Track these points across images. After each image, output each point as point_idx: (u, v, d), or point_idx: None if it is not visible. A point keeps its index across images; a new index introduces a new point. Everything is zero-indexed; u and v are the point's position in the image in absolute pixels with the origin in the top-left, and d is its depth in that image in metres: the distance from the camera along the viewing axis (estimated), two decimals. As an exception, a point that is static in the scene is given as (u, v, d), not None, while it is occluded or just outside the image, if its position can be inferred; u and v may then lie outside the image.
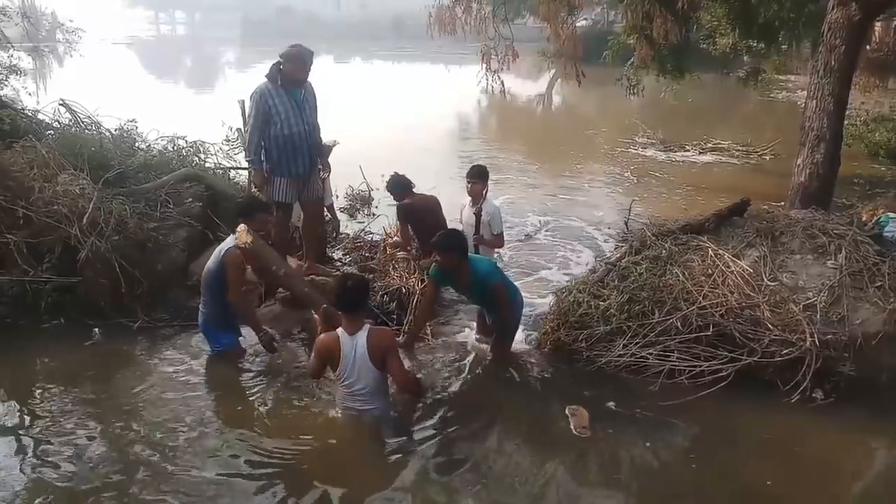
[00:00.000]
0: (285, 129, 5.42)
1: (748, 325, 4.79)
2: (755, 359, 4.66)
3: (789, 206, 7.20)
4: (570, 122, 18.57)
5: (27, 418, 4.33)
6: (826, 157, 7.56)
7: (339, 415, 4.27)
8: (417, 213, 6.18)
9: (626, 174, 11.63)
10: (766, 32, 13.09)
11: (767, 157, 12.48)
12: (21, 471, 3.81)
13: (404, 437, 4.24)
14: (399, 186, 6.32)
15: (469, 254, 5.02)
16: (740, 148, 13.03)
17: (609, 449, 4.25)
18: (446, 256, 4.81)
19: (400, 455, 4.10)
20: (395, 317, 5.61)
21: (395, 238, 6.76)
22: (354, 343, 3.99)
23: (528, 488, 3.83)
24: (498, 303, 5.00)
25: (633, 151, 13.14)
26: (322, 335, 4.18)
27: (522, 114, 20.88)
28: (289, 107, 5.41)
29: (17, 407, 4.45)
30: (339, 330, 4.06)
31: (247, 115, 5.51)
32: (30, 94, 8.40)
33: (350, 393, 4.13)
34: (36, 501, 3.57)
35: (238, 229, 4.79)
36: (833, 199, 7.81)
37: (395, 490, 3.81)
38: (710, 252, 5.25)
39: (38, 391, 4.63)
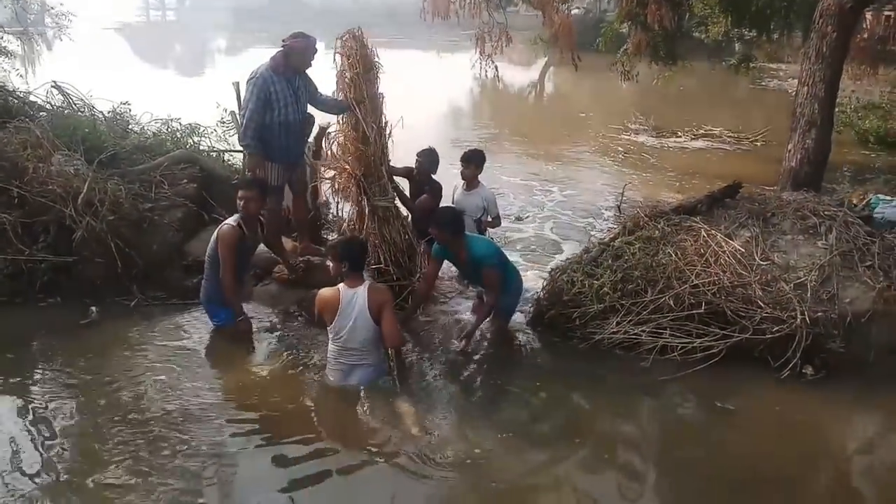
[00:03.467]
0: (282, 116, 5.41)
1: (740, 302, 4.85)
2: (747, 335, 4.74)
3: (780, 190, 7.28)
4: (563, 108, 18.55)
5: (27, 396, 4.33)
6: (817, 142, 7.65)
7: (331, 378, 4.38)
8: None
9: (618, 159, 11.69)
10: (759, 20, 13.19)
11: (758, 144, 12.56)
12: (21, 446, 3.82)
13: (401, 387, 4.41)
14: (435, 162, 6.13)
15: (468, 233, 5.10)
16: (731, 134, 13.10)
17: (603, 424, 4.34)
18: (438, 232, 4.95)
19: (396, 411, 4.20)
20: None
21: None
22: (354, 296, 4.22)
23: (520, 461, 3.89)
24: (488, 286, 5.07)
25: (626, 137, 13.18)
26: (323, 289, 4.40)
27: (515, 101, 20.86)
28: (287, 94, 5.41)
29: (17, 383, 4.45)
30: (340, 285, 4.28)
31: (244, 98, 5.44)
32: (20, 76, 8.33)
33: (344, 349, 4.29)
34: (38, 479, 3.59)
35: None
36: (823, 184, 7.91)
37: (388, 450, 3.89)
38: (703, 232, 5.31)
39: (38, 368, 4.64)
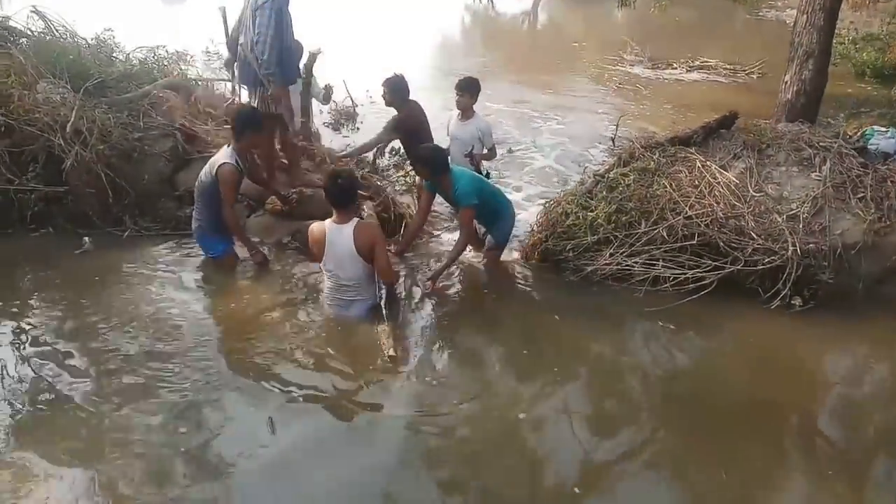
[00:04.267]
0: (289, 41, 5.32)
1: (732, 234, 4.89)
2: (738, 267, 4.79)
3: (775, 122, 7.22)
4: (557, 39, 18.15)
5: (25, 326, 4.34)
6: (814, 72, 7.57)
7: (329, 311, 4.40)
8: (412, 124, 6.08)
9: (612, 91, 11.53)
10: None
11: (755, 76, 12.38)
12: (21, 376, 3.86)
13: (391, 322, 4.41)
14: (401, 90, 5.93)
15: (455, 167, 5.06)
16: (727, 66, 12.89)
17: (595, 353, 4.43)
18: (419, 170, 4.99)
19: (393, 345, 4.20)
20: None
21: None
22: (341, 233, 4.13)
23: (515, 390, 3.98)
24: (460, 224, 5.08)
25: (621, 69, 12.97)
26: (313, 224, 4.34)
27: (508, 31, 20.38)
28: (290, 19, 5.29)
29: (14, 312, 4.46)
30: (328, 220, 4.20)
31: (263, 24, 5.20)
32: (-1, 2, 8.06)
33: (337, 285, 4.30)
34: (38, 406, 3.64)
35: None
36: (819, 117, 7.86)
37: (388, 382, 3.95)
38: (698, 163, 5.30)
39: (33, 299, 4.64)
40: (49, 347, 4.09)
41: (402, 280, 4.94)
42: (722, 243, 4.86)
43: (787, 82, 7.84)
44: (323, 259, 4.26)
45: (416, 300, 4.79)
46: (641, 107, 10.42)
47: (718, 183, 5.12)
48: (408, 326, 4.50)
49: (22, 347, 4.09)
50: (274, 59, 5.15)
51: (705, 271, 4.83)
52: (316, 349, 4.22)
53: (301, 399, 3.80)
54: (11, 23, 7.53)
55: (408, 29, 17.09)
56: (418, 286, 4.92)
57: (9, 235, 5.34)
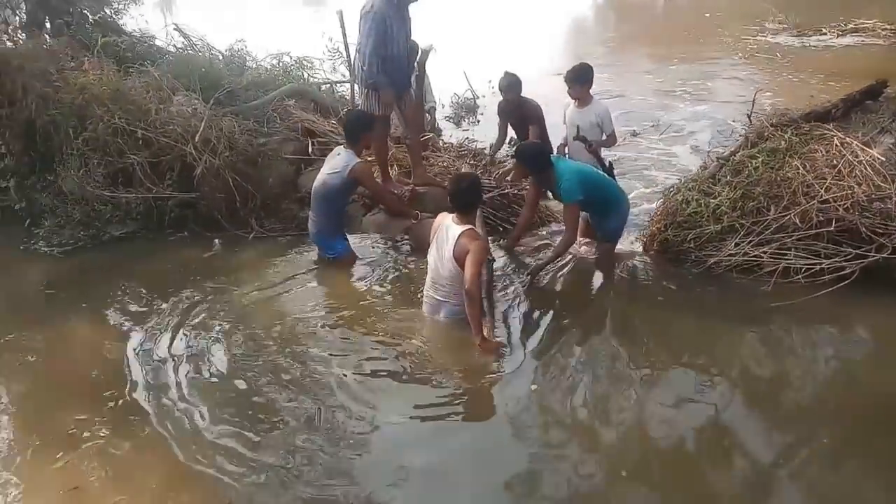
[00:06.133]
0: (396, 50, 5.34)
1: (877, 218, 4.37)
2: (885, 255, 4.28)
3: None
4: (693, 12, 17.20)
5: (166, 321, 4.57)
6: None
7: (423, 309, 4.39)
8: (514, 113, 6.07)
9: (752, 64, 10.74)
10: None
11: (921, 35, 11.11)
12: (163, 364, 4.12)
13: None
14: (513, 87, 6.11)
15: (561, 161, 4.89)
16: (888, 26, 11.62)
17: (716, 353, 4.09)
18: (516, 167, 4.90)
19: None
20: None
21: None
22: (451, 232, 4.14)
23: (628, 390, 3.74)
24: (565, 221, 4.88)
25: (762, 38, 12.08)
26: (440, 213, 4.44)
27: (641, 8, 19.58)
28: (400, 26, 5.33)
29: (158, 309, 4.74)
30: (452, 215, 4.25)
31: (361, 33, 5.33)
32: (147, 22, 8.76)
33: (433, 281, 4.29)
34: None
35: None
36: None
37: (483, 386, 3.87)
38: (836, 141, 4.79)
39: (170, 294, 4.89)
40: (185, 343, 4.31)
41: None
42: (864, 229, 4.36)
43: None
44: (431, 247, 4.30)
45: (518, 298, 4.66)
46: (782, 79, 9.64)
47: (860, 161, 4.60)
48: (508, 325, 4.37)
49: (160, 345, 4.32)
50: (375, 70, 5.22)
51: (845, 260, 4.36)
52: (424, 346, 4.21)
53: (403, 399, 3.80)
54: (157, 42, 8.24)
55: (532, 17, 16.86)
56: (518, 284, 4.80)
57: (150, 240, 5.79)
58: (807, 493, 3.12)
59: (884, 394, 3.64)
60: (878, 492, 3.08)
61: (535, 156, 4.77)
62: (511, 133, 6.62)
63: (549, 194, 5.18)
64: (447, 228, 4.20)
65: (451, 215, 4.25)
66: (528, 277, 4.73)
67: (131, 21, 8.78)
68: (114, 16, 8.42)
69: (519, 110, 6.25)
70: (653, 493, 3.15)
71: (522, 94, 6.24)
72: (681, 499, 3.12)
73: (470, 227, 4.17)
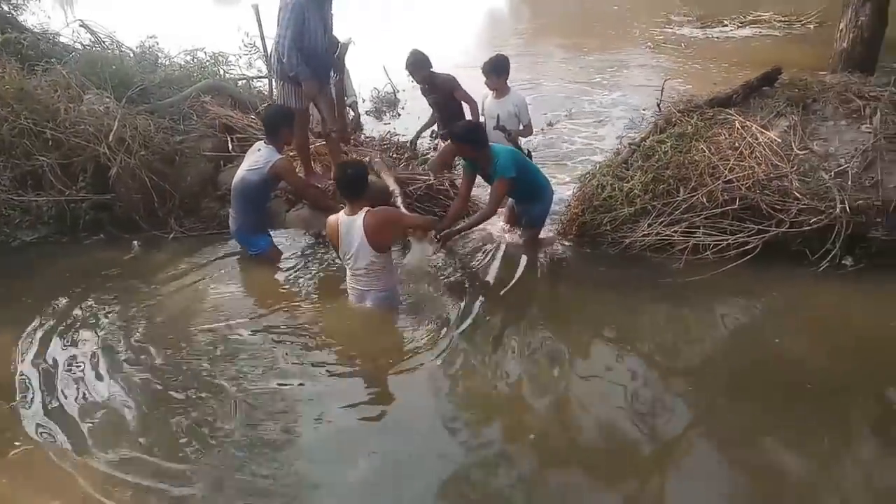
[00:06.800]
0: (313, 43, 5.30)
1: (776, 195, 4.70)
2: (783, 229, 4.59)
3: (831, 73, 6.85)
4: (603, 4, 17.71)
5: (84, 329, 4.44)
6: (872, 16, 7.15)
7: (351, 300, 4.40)
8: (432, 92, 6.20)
9: (660, 53, 11.19)
10: None
11: (812, 26, 11.81)
12: (82, 373, 3.99)
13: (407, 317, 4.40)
14: (419, 63, 6.06)
15: (493, 144, 4.99)
16: (782, 18, 12.32)
17: (636, 327, 4.31)
18: (461, 147, 4.88)
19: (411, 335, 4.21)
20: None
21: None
22: (352, 224, 4.13)
23: (554, 364, 3.92)
24: (491, 195, 4.97)
25: (669, 30, 12.58)
26: (329, 216, 4.37)
27: (553, 0, 20.00)
28: (318, 18, 5.29)
29: (74, 316, 4.58)
30: (342, 212, 4.22)
31: (282, 25, 5.27)
32: (49, 18, 8.38)
33: (354, 273, 4.31)
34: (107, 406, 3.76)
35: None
36: (880, 64, 7.43)
37: (414, 371, 3.94)
38: (737, 125, 5.09)
39: (90, 302, 4.76)
40: (111, 352, 4.18)
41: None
42: (765, 206, 4.68)
43: (842, 30, 7.45)
44: (340, 250, 4.29)
45: (450, 278, 4.76)
46: (688, 68, 10.09)
47: (759, 143, 4.91)
48: (440, 308, 4.48)
49: (80, 353, 4.19)
50: (296, 61, 5.19)
51: (749, 236, 4.66)
52: (350, 335, 4.26)
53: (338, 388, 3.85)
54: (62, 38, 7.90)
55: (453, 10, 16.99)
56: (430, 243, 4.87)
57: (63, 244, 5.58)
58: (717, 444, 3.36)
59: (786, 356, 3.93)
60: (772, 429, 3.33)
61: (473, 131, 4.86)
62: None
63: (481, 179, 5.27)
64: (346, 226, 4.16)
65: (340, 214, 4.21)
66: (440, 242, 4.83)
67: (32, 17, 8.43)
68: (13, 11, 8.02)
69: (435, 88, 6.19)
70: (578, 468, 3.28)
71: (433, 70, 6.16)
72: (602, 455, 3.29)
73: (365, 209, 4.14)
